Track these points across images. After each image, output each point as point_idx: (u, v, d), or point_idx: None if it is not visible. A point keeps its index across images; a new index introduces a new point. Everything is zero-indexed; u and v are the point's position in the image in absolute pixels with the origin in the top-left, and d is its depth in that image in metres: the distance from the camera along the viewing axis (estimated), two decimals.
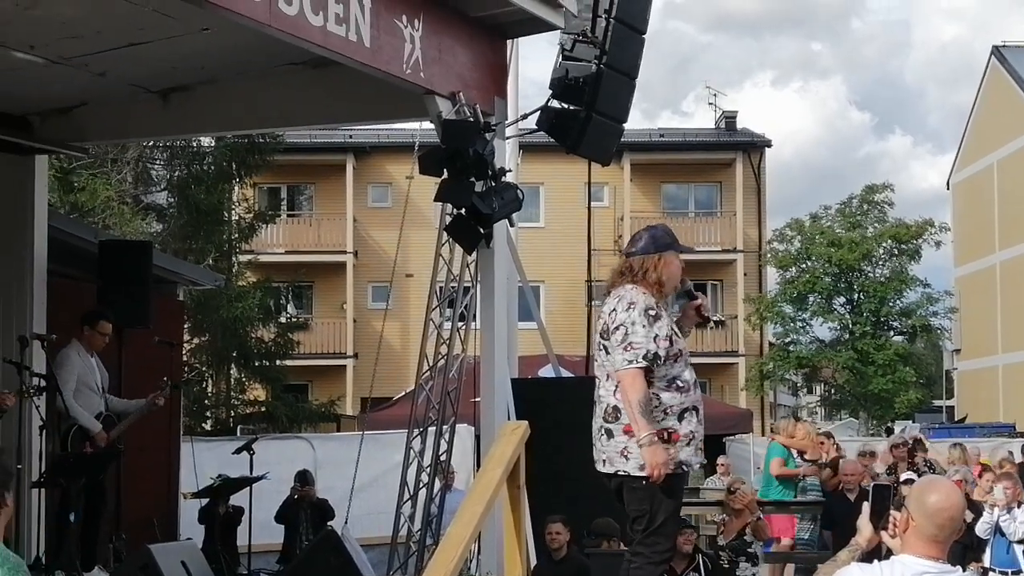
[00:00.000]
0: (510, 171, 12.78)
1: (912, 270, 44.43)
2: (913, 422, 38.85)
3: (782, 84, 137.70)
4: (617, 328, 7.66)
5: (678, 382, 7.68)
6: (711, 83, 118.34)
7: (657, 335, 7.62)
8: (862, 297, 44.02)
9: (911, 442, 18.34)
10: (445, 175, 11.79)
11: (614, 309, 7.74)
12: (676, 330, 7.79)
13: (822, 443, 17.47)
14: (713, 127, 49.21)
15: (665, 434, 7.60)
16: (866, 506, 5.24)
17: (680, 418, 7.68)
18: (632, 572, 7.72)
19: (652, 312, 7.66)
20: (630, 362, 7.57)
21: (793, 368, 45.03)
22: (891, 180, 79.69)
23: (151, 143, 27.54)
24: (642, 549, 7.73)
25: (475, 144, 11.50)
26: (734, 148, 46.82)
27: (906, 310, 44.46)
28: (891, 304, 43.99)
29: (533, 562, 12.23)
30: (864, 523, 5.22)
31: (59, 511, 11.53)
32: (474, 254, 13.40)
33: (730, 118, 48.62)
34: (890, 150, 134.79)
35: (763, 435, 39.67)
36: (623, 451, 7.66)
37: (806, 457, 17.20)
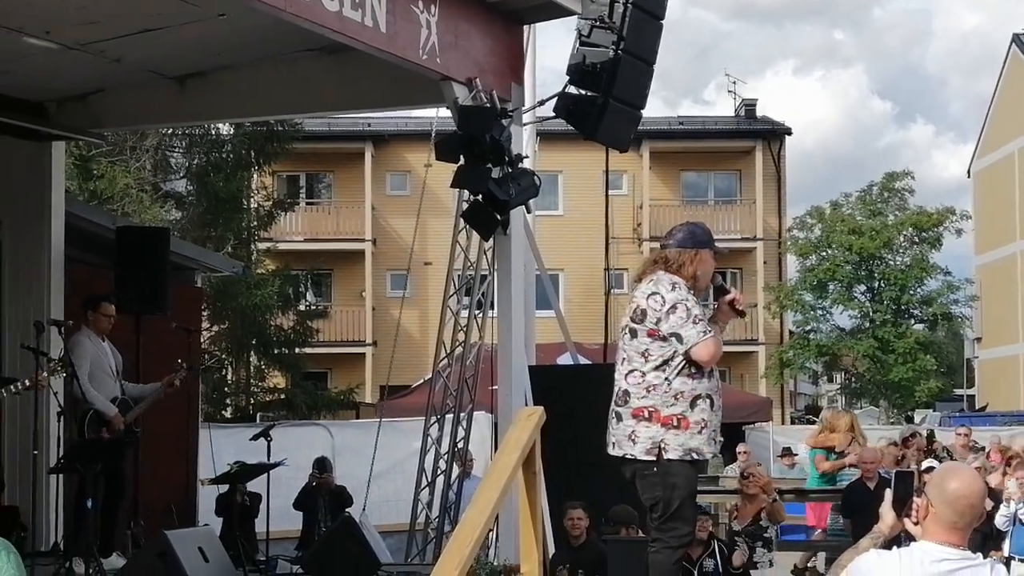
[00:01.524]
0: (527, 158, 12.74)
1: (933, 258, 44.34)
2: (934, 411, 38.75)
3: (804, 73, 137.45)
4: (673, 307, 7.62)
5: (691, 368, 7.66)
6: (732, 72, 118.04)
7: (699, 314, 7.68)
8: (883, 285, 43.89)
9: (924, 434, 18.37)
10: (462, 161, 11.76)
11: (655, 292, 7.71)
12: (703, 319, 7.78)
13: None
14: (733, 115, 49.09)
15: (646, 412, 7.63)
16: (888, 493, 5.20)
17: (692, 405, 7.65)
18: (651, 556, 7.72)
19: (692, 296, 7.74)
20: (703, 333, 7.61)
21: (813, 356, 44.90)
22: (913, 169, 79.68)
23: (170, 131, 27.60)
24: (660, 535, 7.73)
25: (492, 130, 11.48)
26: (754, 136, 46.70)
27: (927, 298, 44.33)
28: (912, 292, 43.87)
29: (552, 549, 12.23)
30: (886, 510, 5.18)
31: (76, 497, 11.53)
32: (491, 241, 13.37)
33: (750, 106, 48.50)
34: (912, 139, 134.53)
35: (783, 423, 39.76)
36: (631, 435, 7.68)
37: (837, 449, 17.21)
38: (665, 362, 7.65)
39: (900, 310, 44.00)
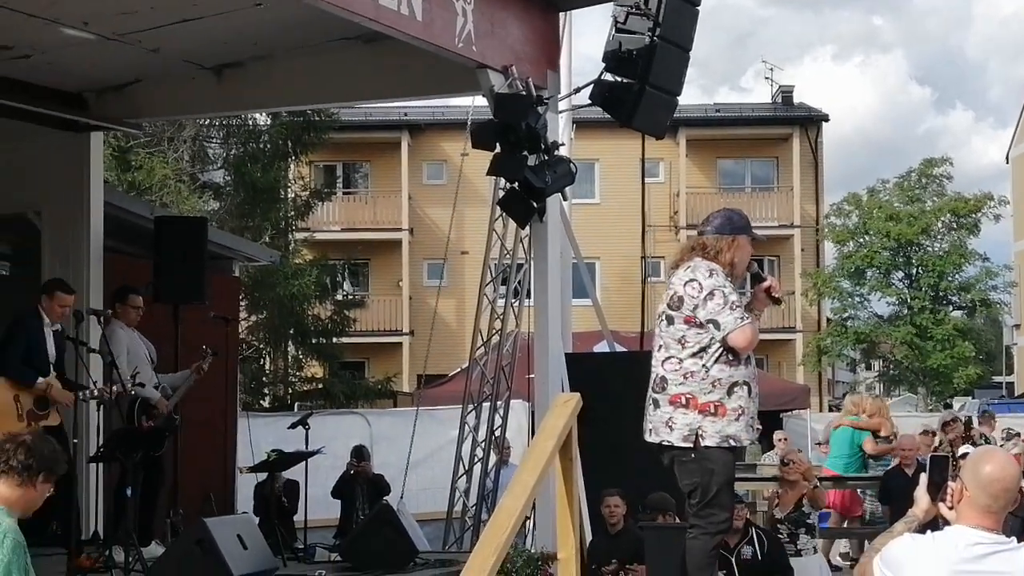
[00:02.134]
0: (563, 145, 12.73)
1: (971, 244, 44.14)
2: (972, 398, 38.57)
3: (843, 59, 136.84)
4: (711, 294, 7.64)
5: (728, 355, 7.67)
6: (771, 58, 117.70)
7: (736, 301, 7.69)
8: (920, 272, 43.72)
9: (963, 420, 18.34)
10: (497, 149, 11.77)
11: (692, 279, 7.72)
12: (740, 306, 7.78)
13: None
14: (770, 102, 48.92)
15: (683, 399, 7.65)
16: (923, 477, 5.19)
17: (729, 392, 7.66)
18: (688, 543, 7.74)
19: (729, 283, 7.76)
20: (741, 319, 7.62)
21: (851, 344, 44.76)
22: (952, 155, 79.20)
23: (207, 121, 27.70)
24: (698, 521, 7.75)
25: (527, 117, 11.48)
26: (791, 123, 46.54)
27: (965, 284, 44.15)
28: (950, 278, 43.69)
29: (588, 536, 12.24)
30: (921, 494, 5.17)
31: (116, 486, 11.60)
32: (527, 229, 13.38)
33: (787, 92, 48.31)
34: (951, 125, 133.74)
35: (821, 411, 39.63)
36: (668, 421, 7.70)
37: (880, 434, 17.21)
38: (702, 349, 7.66)
39: (938, 297, 43.81)
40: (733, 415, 7.65)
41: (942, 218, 43.80)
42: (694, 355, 7.66)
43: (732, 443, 7.71)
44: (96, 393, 11.37)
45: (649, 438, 7.82)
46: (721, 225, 7.94)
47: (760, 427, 8.11)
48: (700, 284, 7.67)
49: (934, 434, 17.28)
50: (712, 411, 7.63)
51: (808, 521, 11.73)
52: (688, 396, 7.65)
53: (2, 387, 11.10)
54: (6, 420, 10.90)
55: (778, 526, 11.68)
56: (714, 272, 7.70)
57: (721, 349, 7.65)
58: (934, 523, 5.10)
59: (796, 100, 48.37)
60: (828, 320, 46.01)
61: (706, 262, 7.76)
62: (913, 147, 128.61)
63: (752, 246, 7.96)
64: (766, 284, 8.02)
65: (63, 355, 11.55)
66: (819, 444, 24.52)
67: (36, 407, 11.06)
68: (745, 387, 7.72)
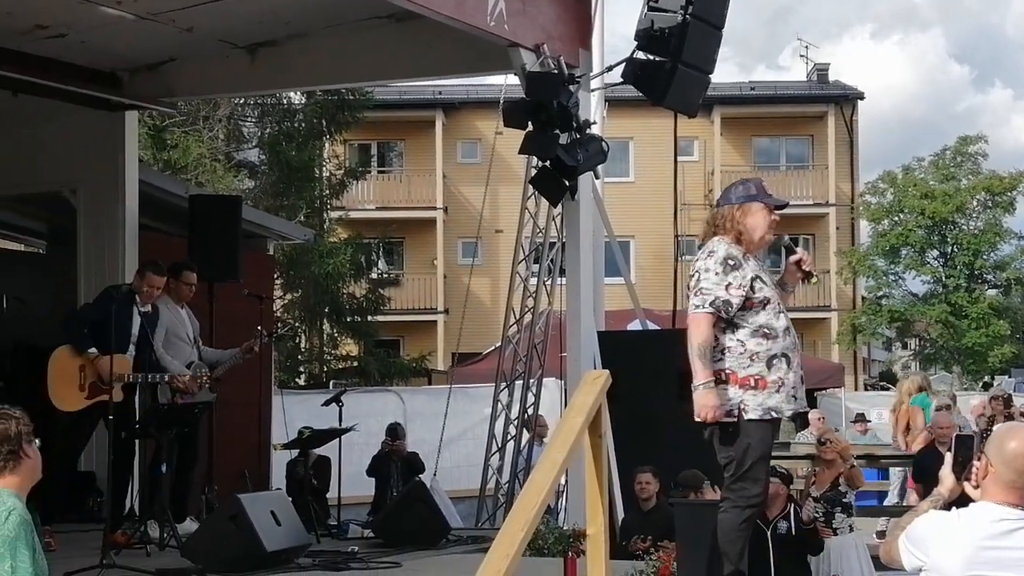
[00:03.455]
0: (595, 123, 12.74)
1: (1006, 222, 43.85)
2: (1009, 377, 38.40)
3: (881, 37, 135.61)
4: (693, 275, 7.77)
5: (764, 329, 7.71)
6: (809, 36, 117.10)
7: (730, 283, 7.68)
8: (955, 250, 43.50)
9: (1004, 396, 18.29)
10: (530, 127, 11.79)
11: (698, 258, 7.83)
12: (764, 279, 7.79)
13: None
14: (805, 80, 48.72)
15: (723, 375, 7.68)
16: (949, 456, 5.20)
17: (768, 365, 7.70)
18: (720, 516, 7.79)
19: (731, 261, 7.73)
20: (696, 307, 7.69)
21: (886, 322, 44.60)
22: (992, 134, 78.85)
23: (242, 100, 27.78)
24: (729, 494, 7.80)
25: (559, 96, 11.50)
26: (826, 101, 46.31)
27: (1000, 263, 43.92)
28: (985, 257, 43.45)
29: (620, 513, 12.28)
30: (947, 473, 5.18)
31: (151, 462, 11.69)
32: (560, 207, 13.41)
33: (822, 71, 48.06)
34: (990, 103, 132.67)
35: (856, 389, 39.57)
36: None
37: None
38: (733, 325, 7.71)
39: (973, 275, 43.58)
40: (773, 387, 7.69)
41: (977, 196, 43.56)
42: (724, 331, 7.72)
43: (774, 415, 7.75)
44: (167, 379, 11.48)
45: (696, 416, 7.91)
46: (727, 196, 8.02)
47: (804, 400, 8.08)
48: (697, 263, 7.83)
49: (948, 408, 17.25)
50: (752, 385, 7.68)
51: (844, 500, 11.72)
52: (728, 372, 7.70)
53: (69, 355, 11.21)
54: (69, 389, 11.03)
55: (815, 504, 11.68)
56: (712, 254, 7.77)
57: (753, 324, 7.70)
58: (960, 502, 5.11)
59: (832, 78, 48.13)
60: (863, 298, 45.86)
61: (718, 240, 7.84)
62: (952, 125, 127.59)
63: (770, 213, 7.90)
64: (795, 257, 8.02)
65: (146, 337, 11.59)
66: (854, 422, 24.56)
67: (100, 381, 11.11)
68: (784, 359, 7.74)
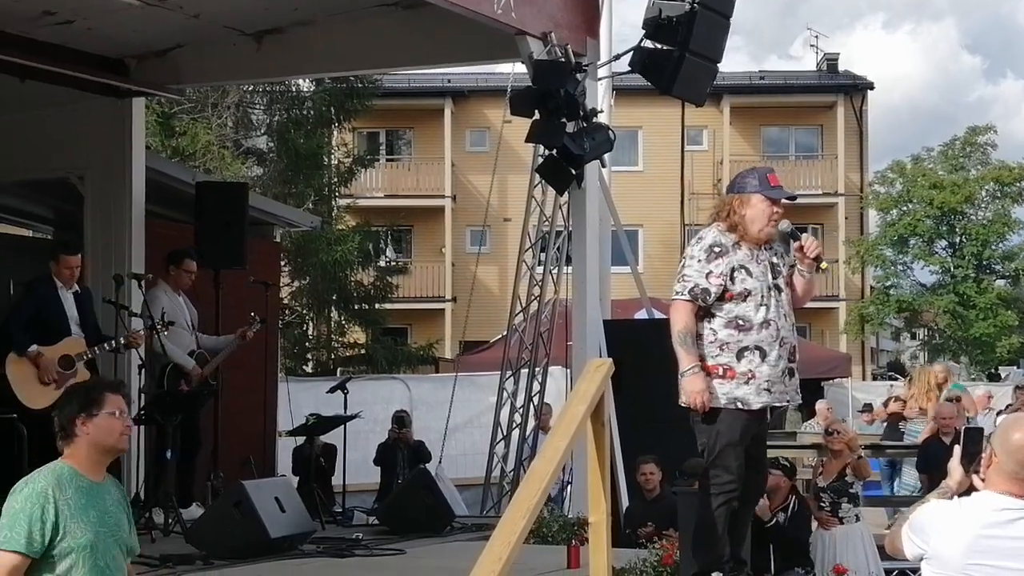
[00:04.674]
0: (602, 112, 12.73)
1: (1015, 213, 43.75)
2: (1018, 368, 38.39)
3: (893, 27, 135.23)
4: (683, 260, 7.87)
5: (739, 320, 7.75)
6: (821, 26, 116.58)
7: (711, 272, 7.74)
8: (964, 240, 43.42)
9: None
10: (537, 116, 11.78)
11: (690, 244, 7.94)
12: (752, 270, 7.78)
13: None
14: (815, 69, 48.64)
15: (720, 369, 7.73)
16: (957, 449, 5.20)
17: (739, 356, 7.74)
18: (698, 501, 7.91)
19: (717, 249, 7.78)
20: (677, 294, 7.79)
21: (894, 312, 44.54)
22: (1002, 125, 78.57)
23: (250, 87, 27.79)
24: (705, 482, 7.87)
25: (566, 84, 11.49)
26: (835, 91, 46.23)
27: (1009, 253, 43.83)
28: (993, 247, 43.36)
29: (625, 502, 12.29)
30: (955, 466, 5.18)
31: (156, 448, 11.71)
32: (566, 196, 13.40)
33: (832, 60, 47.97)
34: (1001, 94, 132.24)
35: (863, 379, 39.54)
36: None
37: None
38: (709, 314, 7.76)
39: (981, 265, 43.50)
40: (742, 378, 7.73)
41: (986, 186, 43.50)
42: (701, 319, 7.80)
43: (740, 405, 7.75)
44: (124, 341, 11.42)
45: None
46: (732, 185, 8.10)
47: (795, 395, 8.03)
48: (685, 252, 7.91)
49: (959, 400, 17.26)
50: (720, 373, 7.74)
51: (851, 490, 11.73)
52: (701, 358, 7.76)
53: (16, 359, 11.05)
54: (33, 388, 10.95)
55: (821, 494, 11.70)
56: (700, 240, 7.84)
57: (729, 314, 7.75)
58: (968, 495, 5.10)
59: (842, 68, 48.06)
60: (871, 288, 45.80)
61: (711, 227, 7.91)
62: (963, 116, 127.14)
63: (771, 205, 7.85)
64: (796, 244, 7.98)
65: (86, 316, 11.55)
66: (861, 412, 24.54)
67: (62, 367, 11.08)
68: (757, 352, 7.76)
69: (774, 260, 7.94)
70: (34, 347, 11.04)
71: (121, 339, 11.41)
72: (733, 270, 7.74)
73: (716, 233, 7.82)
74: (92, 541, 5.23)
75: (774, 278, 7.89)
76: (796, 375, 7.98)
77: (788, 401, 8.06)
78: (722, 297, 7.74)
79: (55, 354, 11.02)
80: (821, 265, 8.04)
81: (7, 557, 5.12)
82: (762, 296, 7.78)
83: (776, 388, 7.83)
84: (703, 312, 7.76)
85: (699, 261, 7.74)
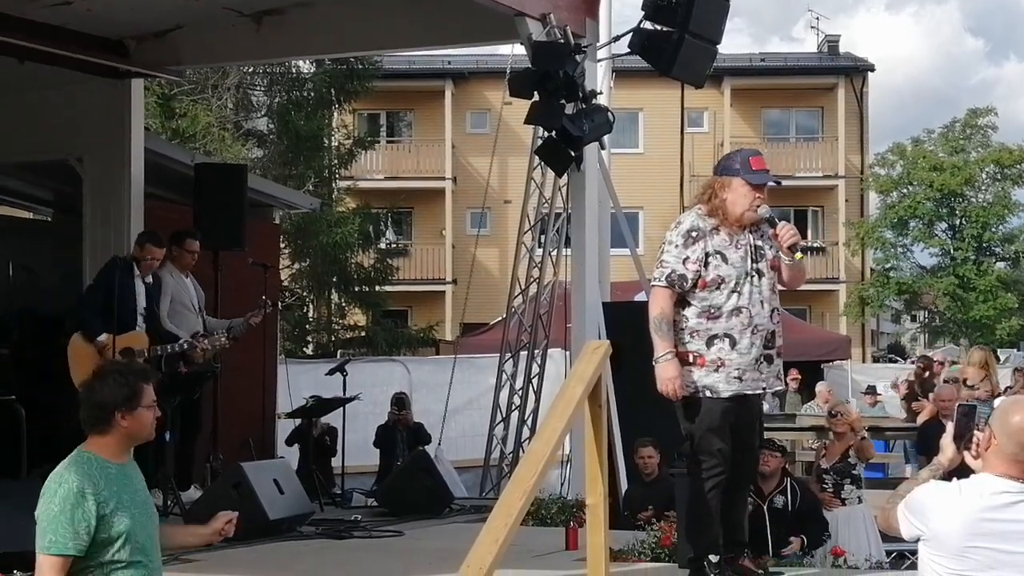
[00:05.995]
0: (601, 94, 12.72)
1: (1015, 195, 43.69)
2: (1018, 350, 38.34)
3: (896, 9, 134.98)
4: (662, 246, 7.79)
5: (711, 309, 7.67)
6: (824, 8, 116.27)
7: (688, 257, 7.66)
8: (964, 222, 43.37)
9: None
10: (536, 97, 11.77)
11: (670, 228, 7.88)
12: (727, 256, 7.68)
13: None
14: (816, 51, 48.55)
15: (690, 356, 7.69)
16: (950, 426, 5.21)
17: (708, 344, 7.67)
18: (687, 485, 7.89)
19: (694, 234, 7.70)
20: (656, 280, 7.73)
21: (894, 294, 44.52)
22: (1004, 107, 78.45)
23: (251, 69, 27.74)
24: (693, 468, 7.85)
25: (565, 66, 11.48)
26: (836, 72, 46.13)
27: (1009, 236, 43.78)
28: (994, 230, 43.30)
29: (624, 484, 12.29)
30: (947, 443, 5.19)
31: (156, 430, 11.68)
32: (565, 178, 13.38)
33: (832, 42, 47.89)
34: (1004, 76, 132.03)
35: (863, 362, 39.52)
36: None
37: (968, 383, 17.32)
38: (684, 301, 7.72)
39: (982, 248, 43.46)
40: (712, 366, 7.66)
41: (986, 169, 43.44)
42: (676, 305, 7.73)
43: (709, 393, 7.69)
44: (185, 347, 11.50)
45: None
46: (718, 165, 8.04)
47: (773, 383, 7.95)
48: (665, 236, 7.84)
49: (966, 381, 17.28)
50: (690, 360, 7.68)
51: (854, 472, 11.73)
52: (676, 345, 7.72)
53: (83, 341, 11.20)
54: (88, 371, 10.94)
55: (823, 476, 11.70)
56: (679, 225, 7.76)
57: (702, 301, 7.68)
58: (960, 472, 5.11)
59: (843, 50, 47.97)
60: (871, 270, 45.78)
61: (692, 210, 7.86)
62: (966, 98, 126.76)
63: (752, 190, 7.72)
64: (771, 231, 7.83)
65: (152, 307, 11.62)
66: (864, 394, 24.54)
67: (123, 357, 11.10)
68: (727, 339, 7.67)
69: (758, 243, 7.80)
70: (104, 336, 11.11)
71: (185, 344, 11.49)
72: (708, 255, 7.64)
73: (694, 217, 7.73)
74: (130, 525, 5.23)
75: (756, 261, 7.76)
76: (776, 361, 7.88)
77: (764, 388, 7.94)
78: (695, 284, 7.66)
79: (119, 345, 11.03)
80: (796, 255, 7.81)
81: (57, 561, 5.09)
82: (736, 283, 7.66)
83: (748, 376, 7.72)
84: (679, 299, 7.71)
85: (677, 247, 7.65)
